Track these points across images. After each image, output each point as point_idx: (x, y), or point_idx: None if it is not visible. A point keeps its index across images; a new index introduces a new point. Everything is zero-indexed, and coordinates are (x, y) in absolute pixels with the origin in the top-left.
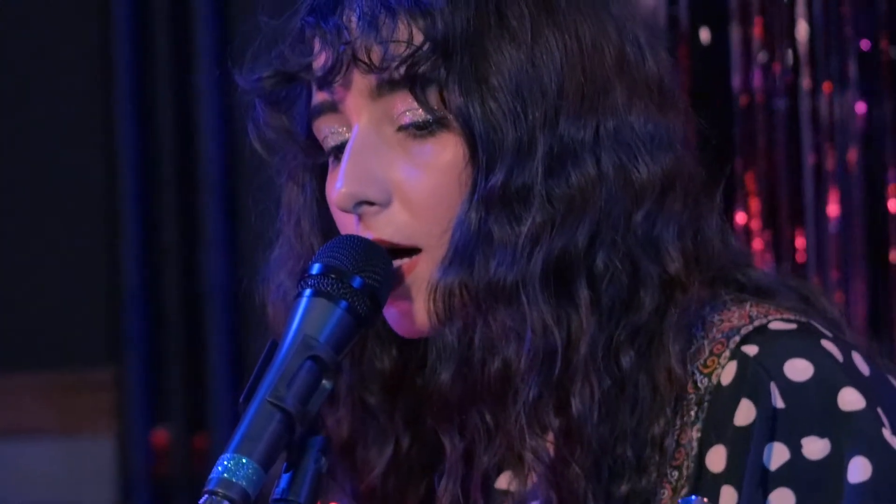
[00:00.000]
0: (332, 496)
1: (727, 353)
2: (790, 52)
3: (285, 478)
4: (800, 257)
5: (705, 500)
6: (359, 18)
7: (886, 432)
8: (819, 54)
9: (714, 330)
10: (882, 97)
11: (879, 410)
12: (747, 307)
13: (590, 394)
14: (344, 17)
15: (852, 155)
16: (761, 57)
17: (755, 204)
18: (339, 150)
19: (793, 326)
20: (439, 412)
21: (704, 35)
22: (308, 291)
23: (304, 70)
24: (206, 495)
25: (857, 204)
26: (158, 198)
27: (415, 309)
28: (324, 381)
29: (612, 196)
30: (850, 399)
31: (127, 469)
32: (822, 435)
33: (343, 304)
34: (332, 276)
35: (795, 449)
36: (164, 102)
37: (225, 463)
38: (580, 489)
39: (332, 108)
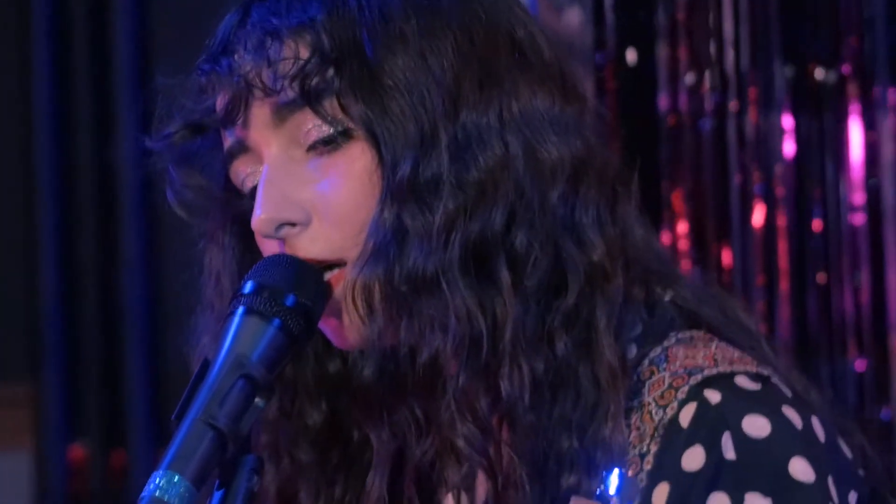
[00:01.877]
0: None
1: (685, 390)
2: (717, 73)
3: (217, 496)
4: (726, 276)
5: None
6: (247, 51)
7: None
8: (745, 76)
9: (676, 363)
10: (808, 118)
11: (830, 483)
12: (713, 348)
13: (519, 376)
14: (235, 55)
15: (778, 174)
16: (688, 78)
17: (682, 225)
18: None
19: (757, 387)
20: (364, 408)
21: (631, 56)
22: (240, 309)
23: (207, 116)
24: None
25: (783, 223)
26: (76, 214)
27: (349, 321)
28: (256, 400)
29: (523, 176)
30: (801, 469)
31: (43, 485)
32: (766, 494)
33: (276, 322)
34: (265, 294)
35: (738, 502)
36: (82, 116)
37: (157, 481)
38: (517, 476)
39: (243, 148)
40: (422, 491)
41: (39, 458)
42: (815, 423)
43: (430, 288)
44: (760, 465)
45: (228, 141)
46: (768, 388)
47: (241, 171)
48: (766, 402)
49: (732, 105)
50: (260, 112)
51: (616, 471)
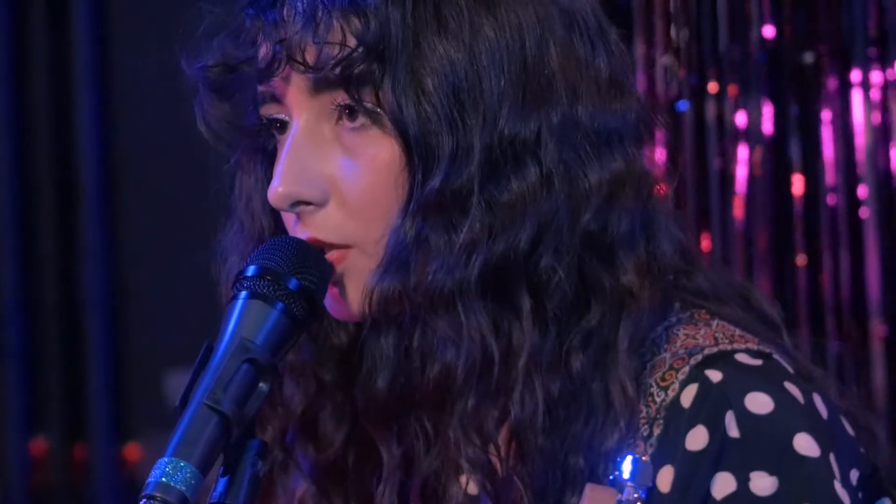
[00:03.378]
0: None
1: (686, 370)
2: (694, 54)
3: (222, 482)
4: (706, 259)
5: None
6: (297, 14)
7: (837, 484)
8: (724, 58)
9: (677, 344)
10: (788, 100)
11: (832, 458)
12: (713, 326)
13: (532, 401)
14: (284, 12)
15: (757, 158)
16: (666, 61)
17: None
18: (284, 129)
19: (758, 363)
20: (375, 419)
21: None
22: (244, 294)
23: (245, 62)
24: (145, 500)
25: (762, 207)
26: (35, 207)
27: (348, 297)
28: (261, 384)
29: (555, 201)
30: (805, 444)
31: (4, 478)
32: (771, 472)
33: (279, 305)
34: (268, 277)
35: (743, 481)
36: (41, 110)
37: (163, 467)
38: (522, 499)
39: (275, 99)
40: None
41: (0, 453)
42: (817, 399)
43: (446, 305)
44: (764, 442)
45: (262, 87)
46: (770, 363)
47: (272, 115)
48: (767, 378)
49: (711, 87)
50: (298, 78)
51: (629, 456)
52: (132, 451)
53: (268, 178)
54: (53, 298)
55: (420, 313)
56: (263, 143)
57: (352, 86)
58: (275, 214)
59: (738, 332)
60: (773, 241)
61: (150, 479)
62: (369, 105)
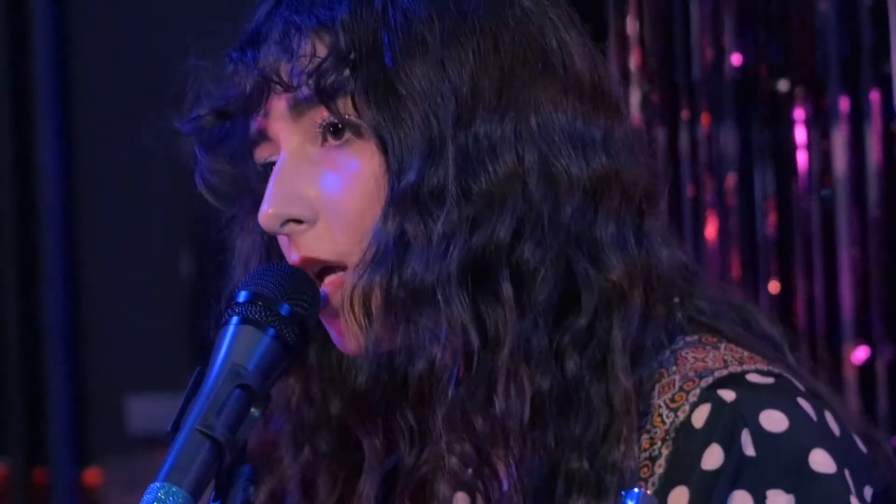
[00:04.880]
0: None
1: (697, 392)
2: (668, 82)
3: None
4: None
5: (649, 491)
6: (273, 43)
7: (853, 499)
8: (697, 85)
9: (686, 366)
10: (760, 126)
11: (847, 474)
12: (722, 349)
13: (517, 393)
14: (263, 47)
15: (730, 183)
16: (640, 88)
17: None
18: None
19: (770, 381)
20: (357, 414)
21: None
22: (235, 319)
23: (232, 104)
24: None
25: (735, 233)
26: None
27: (347, 327)
28: (252, 410)
29: (534, 190)
30: (821, 461)
31: None
32: (788, 490)
33: (271, 331)
34: (260, 303)
35: (760, 499)
36: (2, 131)
37: (155, 492)
38: (516, 498)
39: (264, 137)
40: (416, 501)
41: None
42: (829, 416)
43: (427, 298)
44: (780, 460)
45: (251, 129)
46: (781, 381)
47: (263, 157)
48: (780, 396)
49: (684, 114)
50: (278, 105)
51: (636, 490)
52: (92, 475)
53: (265, 239)
54: (14, 324)
55: (402, 309)
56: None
57: (327, 98)
58: None
59: (746, 353)
60: (745, 267)
61: None
62: (349, 117)
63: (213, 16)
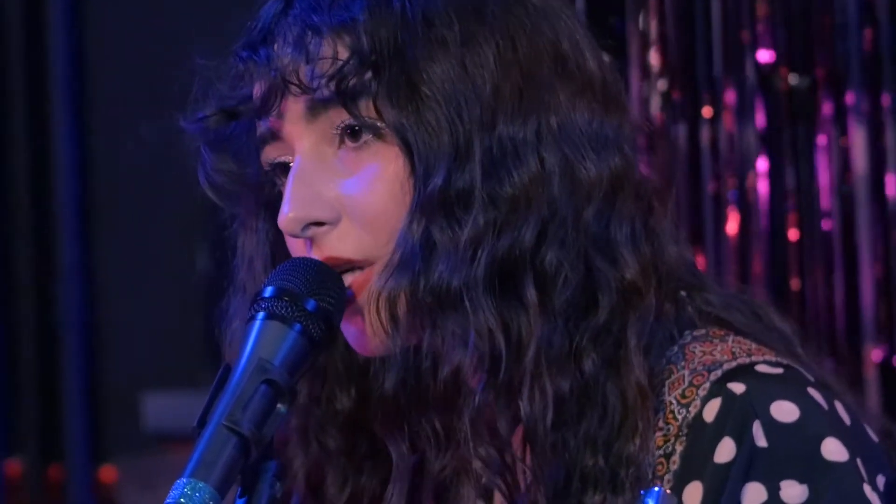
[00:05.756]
0: None
1: (707, 386)
2: (689, 79)
3: (240, 503)
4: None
5: (668, 490)
6: (287, 44)
7: (866, 487)
8: (718, 81)
9: (695, 361)
10: (781, 124)
11: (859, 462)
12: (730, 342)
13: (541, 396)
14: (275, 46)
15: (751, 181)
16: (660, 84)
17: None
18: (286, 172)
19: (779, 371)
20: (384, 420)
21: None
22: (261, 314)
23: (242, 103)
24: None
25: (756, 230)
26: (12, 226)
27: (371, 329)
28: (279, 405)
29: (558, 193)
30: (834, 449)
31: None
32: (801, 480)
33: (297, 326)
34: (286, 298)
35: (773, 491)
36: (17, 130)
37: (181, 488)
38: (536, 498)
39: (275, 137)
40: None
41: None
42: (839, 406)
43: (454, 303)
44: (793, 450)
45: (261, 128)
46: (790, 371)
47: (272, 157)
48: (790, 386)
49: (705, 111)
50: (294, 106)
51: (656, 489)
52: (108, 472)
53: (273, 231)
54: (29, 321)
55: (429, 314)
56: (267, 197)
57: (348, 100)
58: None
59: (754, 345)
60: (767, 265)
61: (168, 500)
62: (370, 119)
63: (230, 14)
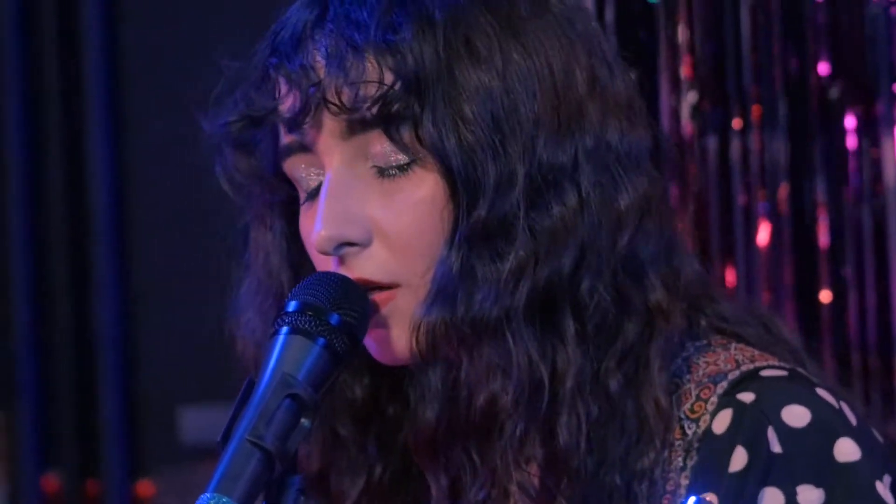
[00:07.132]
0: None
1: (714, 400)
2: (720, 91)
3: None
4: (730, 293)
5: (707, 497)
6: (325, 58)
7: (879, 486)
8: (748, 93)
9: (700, 373)
10: (811, 135)
11: (871, 460)
12: (732, 350)
13: (577, 424)
14: (309, 57)
15: (782, 192)
16: (691, 97)
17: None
18: (314, 191)
19: (784, 373)
20: (423, 450)
21: (633, 75)
22: (285, 329)
23: (271, 113)
24: None
25: (787, 241)
26: (48, 240)
27: (393, 338)
28: (303, 420)
29: (595, 222)
30: (847, 450)
31: None
32: (818, 484)
33: (321, 341)
34: (310, 313)
35: (790, 495)
36: (53, 141)
37: (205, 502)
38: None
39: (303, 148)
40: None
41: (13, 488)
42: (846, 407)
43: (494, 334)
44: (807, 454)
45: (288, 138)
46: (795, 373)
47: (298, 170)
48: (798, 388)
49: (735, 123)
50: (329, 122)
51: (692, 498)
52: (145, 487)
53: (285, 232)
54: (66, 334)
55: (467, 343)
56: (283, 194)
57: (391, 126)
58: (294, 269)
59: (756, 352)
60: (797, 277)
61: None
62: (409, 143)
63: (266, 18)
